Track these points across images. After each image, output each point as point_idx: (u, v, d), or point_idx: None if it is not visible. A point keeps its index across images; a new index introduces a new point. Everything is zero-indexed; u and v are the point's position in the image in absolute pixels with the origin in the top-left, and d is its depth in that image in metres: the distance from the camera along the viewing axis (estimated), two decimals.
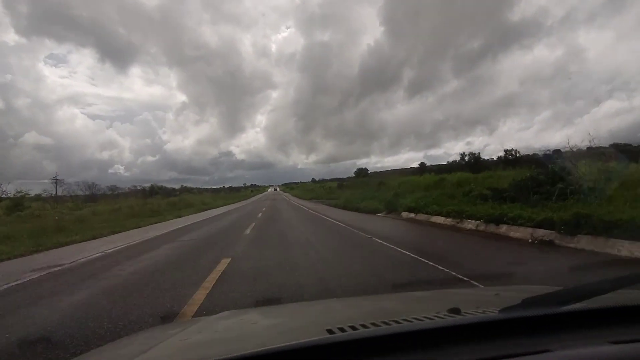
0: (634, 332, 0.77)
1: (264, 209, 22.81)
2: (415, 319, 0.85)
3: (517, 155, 31.17)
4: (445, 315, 0.88)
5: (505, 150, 34.66)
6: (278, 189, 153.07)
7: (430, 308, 1.18)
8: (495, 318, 0.80)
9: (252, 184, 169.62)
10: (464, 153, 41.13)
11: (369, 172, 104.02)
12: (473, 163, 38.45)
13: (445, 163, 46.25)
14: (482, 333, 0.76)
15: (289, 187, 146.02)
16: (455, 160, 42.64)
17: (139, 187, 55.30)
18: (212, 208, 28.49)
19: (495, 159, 37.72)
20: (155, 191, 53.82)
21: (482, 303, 1.14)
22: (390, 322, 0.82)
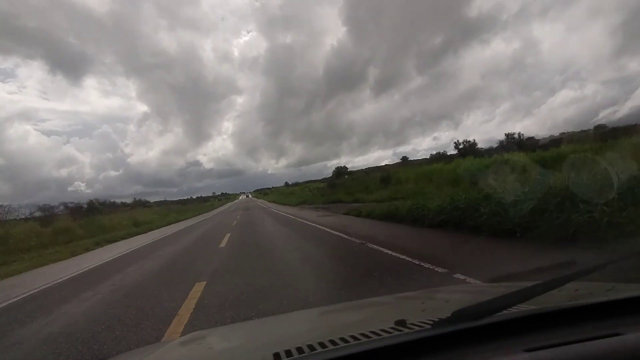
0: (549, 337, 0.80)
1: (229, 232, 12.12)
2: (353, 337, 0.88)
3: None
4: (390, 329, 0.91)
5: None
6: (250, 196, 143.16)
7: (380, 319, 1.27)
8: (422, 336, 0.84)
9: (222, 193, 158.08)
10: (458, 141, 41.10)
11: (348, 170, 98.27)
12: (468, 150, 37.47)
13: (427, 157, 45.22)
14: (418, 349, 0.81)
15: (261, 192, 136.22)
16: (440, 152, 42.65)
17: (70, 205, 44.56)
18: (148, 231, 19.30)
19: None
20: (94, 208, 43.31)
21: (432, 310, 1.25)
22: (338, 342, 0.87)
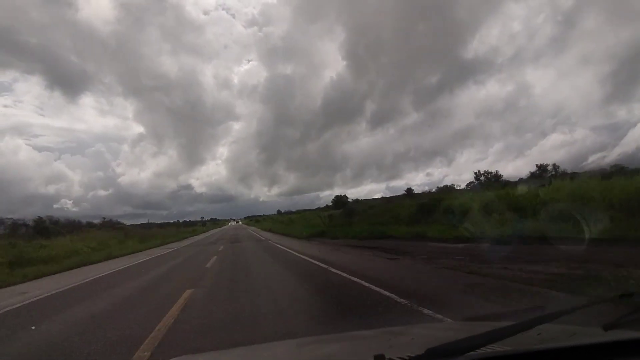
0: None
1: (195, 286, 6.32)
2: None
3: None
4: None
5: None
6: (240, 222, 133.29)
7: (358, 353, 1.33)
8: None
9: (212, 218, 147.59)
10: (478, 171, 39.31)
11: (349, 199, 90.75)
12: (492, 182, 34.72)
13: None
14: None
15: (252, 219, 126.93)
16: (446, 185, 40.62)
17: (20, 222, 35.85)
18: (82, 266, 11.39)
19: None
20: (43, 227, 34.53)
21: (409, 345, 1.30)
22: None
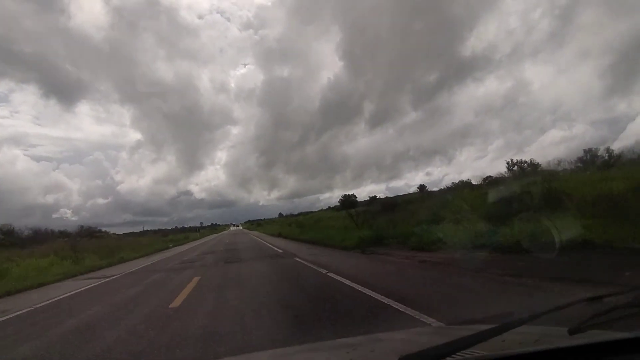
0: None
1: None
2: None
3: None
4: None
5: None
6: (241, 227, 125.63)
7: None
8: None
9: (212, 223, 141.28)
10: (511, 161, 29.55)
11: (357, 198, 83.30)
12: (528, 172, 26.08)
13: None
14: None
15: (254, 224, 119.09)
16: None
17: None
18: None
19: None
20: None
21: (380, 354, 1.37)
22: None
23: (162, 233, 66.78)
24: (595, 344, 0.96)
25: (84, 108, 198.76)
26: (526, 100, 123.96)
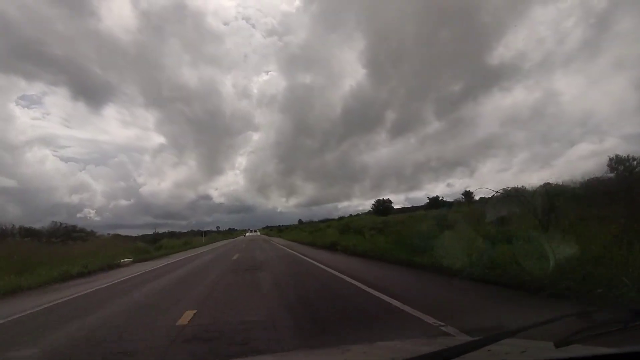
0: None
1: None
2: None
3: None
4: None
5: None
6: (259, 233, 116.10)
7: None
8: None
9: (230, 228, 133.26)
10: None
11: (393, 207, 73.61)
12: None
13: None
14: None
15: (273, 229, 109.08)
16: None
17: None
18: None
19: None
20: None
21: (373, 357, 1.53)
22: None
23: (181, 236, 58.20)
24: (580, 357, 1.04)
25: (110, 111, 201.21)
26: (555, 111, 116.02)
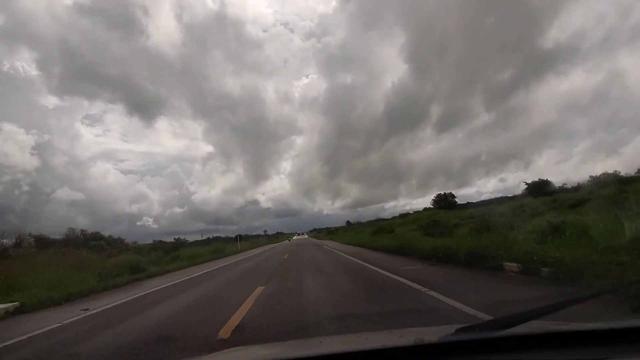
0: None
1: None
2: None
3: None
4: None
5: None
6: (306, 235, 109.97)
7: (403, 340, 1.32)
8: (452, 339, 1.02)
9: (277, 232, 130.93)
10: None
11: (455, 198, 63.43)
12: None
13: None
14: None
15: (321, 232, 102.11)
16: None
17: None
18: None
19: None
20: None
21: (397, 338, 1.47)
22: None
23: (221, 241, 53.54)
24: None
25: (162, 124, 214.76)
26: (620, 94, 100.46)
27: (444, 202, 62.51)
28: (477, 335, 0.98)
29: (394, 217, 48.40)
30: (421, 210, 63.29)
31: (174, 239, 28.49)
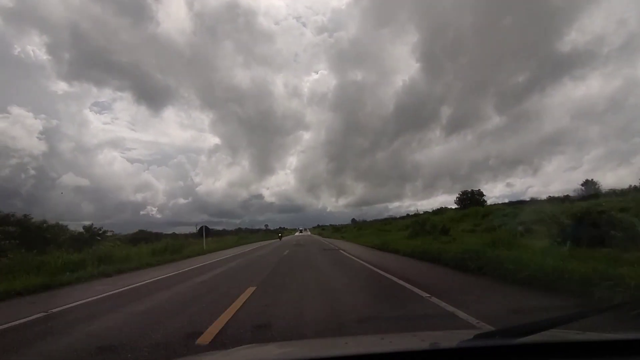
0: None
1: None
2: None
3: None
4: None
5: None
6: (309, 232, 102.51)
7: (421, 344, 1.27)
8: (471, 345, 0.98)
9: (280, 227, 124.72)
10: None
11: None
12: None
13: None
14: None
15: (325, 229, 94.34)
16: None
17: None
18: None
19: None
20: None
21: (413, 342, 1.38)
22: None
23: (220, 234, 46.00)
24: None
25: (169, 114, 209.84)
26: (637, 102, 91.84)
27: (470, 200, 54.29)
28: (496, 342, 0.99)
29: (432, 212, 39.05)
30: (441, 208, 55.20)
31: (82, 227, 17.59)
